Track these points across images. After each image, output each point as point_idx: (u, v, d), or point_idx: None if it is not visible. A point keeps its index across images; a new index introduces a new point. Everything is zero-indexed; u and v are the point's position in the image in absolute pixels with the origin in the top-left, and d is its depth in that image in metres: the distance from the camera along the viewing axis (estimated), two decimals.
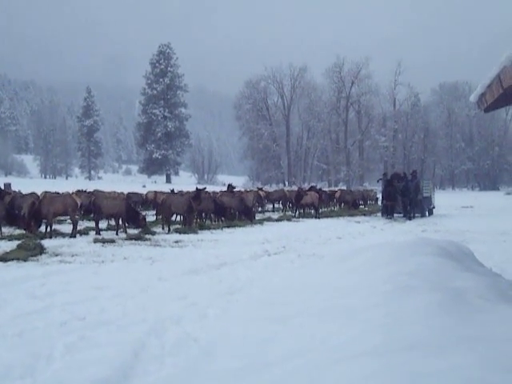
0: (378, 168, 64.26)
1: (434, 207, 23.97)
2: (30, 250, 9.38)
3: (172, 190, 21.70)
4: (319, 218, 21.01)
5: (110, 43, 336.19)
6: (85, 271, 7.91)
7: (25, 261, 8.79)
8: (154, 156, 75.39)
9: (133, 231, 13.42)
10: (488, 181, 74.59)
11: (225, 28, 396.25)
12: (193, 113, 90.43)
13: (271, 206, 26.71)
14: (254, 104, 68.24)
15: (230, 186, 22.04)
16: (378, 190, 31.27)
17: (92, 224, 14.10)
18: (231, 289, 6.61)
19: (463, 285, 4.49)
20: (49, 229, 12.50)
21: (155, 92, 76.16)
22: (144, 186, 46.33)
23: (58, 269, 8.06)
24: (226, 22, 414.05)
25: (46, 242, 10.62)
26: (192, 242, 12.02)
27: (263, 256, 9.76)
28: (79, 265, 8.53)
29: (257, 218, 18.62)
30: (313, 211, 22.01)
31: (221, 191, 21.70)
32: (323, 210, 24.28)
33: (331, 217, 21.91)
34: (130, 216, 13.75)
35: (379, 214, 22.51)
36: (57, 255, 9.53)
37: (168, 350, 4.30)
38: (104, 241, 11.61)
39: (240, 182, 60.22)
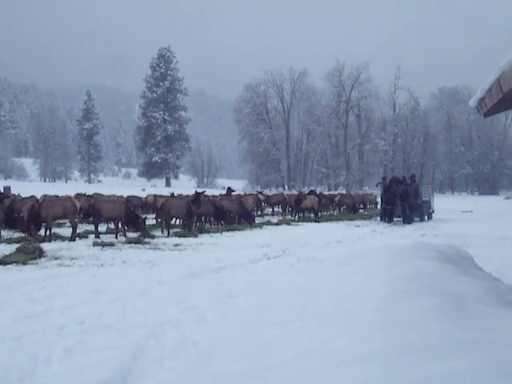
0: (378, 172, 64.15)
1: (433, 211, 23.96)
2: (29, 254, 9.36)
3: (172, 194, 21.70)
4: (319, 221, 21.00)
5: (109, 47, 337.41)
6: (84, 275, 7.89)
7: (24, 264, 8.77)
8: (153, 159, 75.43)
9: (132, 235, 13.41)
10: (487, 185, 74.63)
11: (225, 32, 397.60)
12: (193, 116, 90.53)
13: (271, 209, 26.71)
14: (253, 108, 68.24)
15: (229, 190, 22.08)
16: (377, 193, 31.28)
17: (91, 227, 14.10)
18: (230, 292, 6.61)
19: (462, 289, 4.48)
20: (48, 232, 12.48)
21: (155, 95, 76.27)
22: (143, 190, 46.28)
23: (57, 272, 8.05)
24: (227, 25, 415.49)
25: (45, 246, 10.60)
26: (191, 245, 12.01)
27: (263, 260, 9.76)
28: (78, 268, 8.52)
29: (256, 221, 18.61)
30: (312, 215, 22.00)
31: (220, 195, 21.71)
32: (323, 213, 24.29)
33: (331, 221, 21.92)
34: (130, 219, 13.75)
35: (379, 218, 22.51)
36: (56, 258, 9.52)
37: (167, 354, 4.30)
38: (103, 244, 11.59)
39: (240, 186, 60.27)
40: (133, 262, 9.22)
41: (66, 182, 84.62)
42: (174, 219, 16.78)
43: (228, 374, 3.69)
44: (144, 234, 13.39)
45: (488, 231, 16.20)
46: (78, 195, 18.90)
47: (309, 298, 5.61)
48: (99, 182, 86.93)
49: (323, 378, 3.04)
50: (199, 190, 16.85)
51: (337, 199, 26.66)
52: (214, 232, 15.46)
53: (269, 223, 19.12)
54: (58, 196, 17.51)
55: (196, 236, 14.08)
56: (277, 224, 19.12)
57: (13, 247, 10.29)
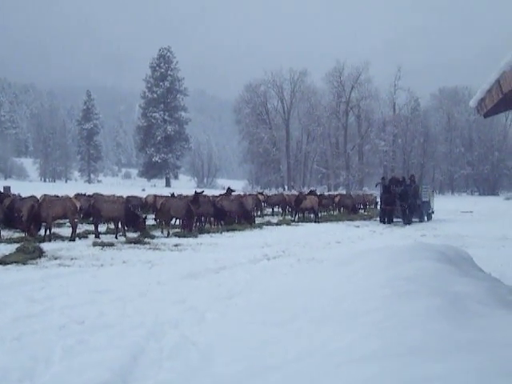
0: (378, 172, 64.05)
1: (433, 212, 23.95)
2: (29, 254, 9.37)
3: (172, 194, 21.69)
4: (319, 222, 21.00)
5: (110, 47, 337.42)
6: (84, 275, 7.89)
7: (24, 264, 8.77)
8: (153, 160, 75.44)
9: (132, 235, 13.41)
10: (487, 186, 74.55)
11: (225, 32, 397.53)
12: (193, 117, 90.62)
13: (270, 210, 26.70)
14: (253, 108, 68.21)
15: (229, 190, 22.08)
16: (377, 194, 31.29)
17: (91, 227, 14.10)
18: (230, 293, 6.61)
19: (462, 290, 4.49)
20: (48, 232, 12.48)
21: (155, 95, 76.29)
22: (143, 190, 46.26)
23: (57, 272, 8.05)
24: (227, 25, 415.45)
25: (45, 246, 10.61)
26: (191, 245, 12.01)
27: (262, 260, 9.76)
28: (78, 268, 8.52)
29: (256, 222, 18.61)
30: (312, 215, 22.00)
31: (220, 195, 21.70)
32: (323, 214, 24.28)
33: (331, 221, 21.91)
34: (130, 219, 13.75)
35: (378, 219, 22.50)
36: (56, 258, 9.52)
37: (167, 354, 4.30)
38: (103, 244, 11.59)
39: (239, 186, 60.23)
40: (132, 262, 9.22)
41: (66, 182, 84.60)
42: (173, 219, 16.78)
43: (228, 375, 3.69)
44: (144, 234, 13.39)
45: (488, 232, 16.21)
46: (77, 195, 18.90)
47: (309, 299, 5.60)
48: (99, 182, 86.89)
49: (323, 378, 3.04)
50: (198, 190, 16.87)
51: (337, 199, 26.66)
52: (213, 232, 15.46)
53: (269, 223, 19.11)
54: (57, 196, 17.50)
55: (196, 236, 14.08)
56: (277, 224, 19.12)
57: (13, 247, 10.29)
